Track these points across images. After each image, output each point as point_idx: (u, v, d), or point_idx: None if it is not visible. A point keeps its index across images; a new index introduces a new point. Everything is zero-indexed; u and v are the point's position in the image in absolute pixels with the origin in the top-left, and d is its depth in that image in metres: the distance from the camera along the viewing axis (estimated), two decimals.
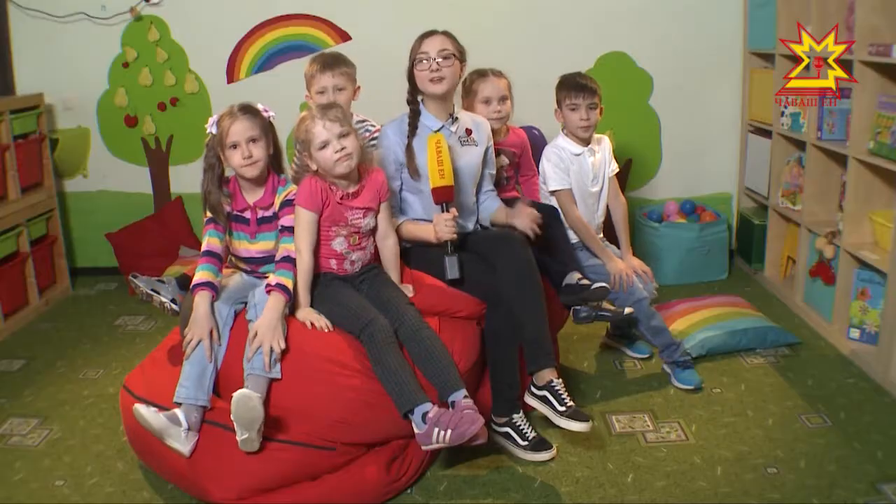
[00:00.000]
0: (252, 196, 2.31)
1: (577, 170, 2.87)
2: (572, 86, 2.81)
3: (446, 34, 2.51)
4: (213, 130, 2.26)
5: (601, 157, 2.92)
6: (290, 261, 2.26)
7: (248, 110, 2.26)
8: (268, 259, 2.34)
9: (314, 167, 2.26)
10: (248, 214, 2.32)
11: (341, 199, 2.27)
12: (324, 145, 2.22)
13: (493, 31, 3.86)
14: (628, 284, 2.74)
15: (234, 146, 2.23)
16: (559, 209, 2.81)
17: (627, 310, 2.73)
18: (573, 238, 2.87)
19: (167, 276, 2.84)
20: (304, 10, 3.92)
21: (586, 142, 2.88)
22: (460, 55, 2.51)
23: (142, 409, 2.05)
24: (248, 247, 2.34)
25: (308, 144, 2.24)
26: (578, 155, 2.87)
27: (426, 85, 2.49)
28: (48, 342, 3.43)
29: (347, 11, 3.92)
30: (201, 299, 2.21)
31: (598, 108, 2.83)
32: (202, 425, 2.15)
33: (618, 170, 3.01)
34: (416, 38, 2.51)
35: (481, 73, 2.84)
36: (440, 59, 2.45)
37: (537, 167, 2.97)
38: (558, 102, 2.86)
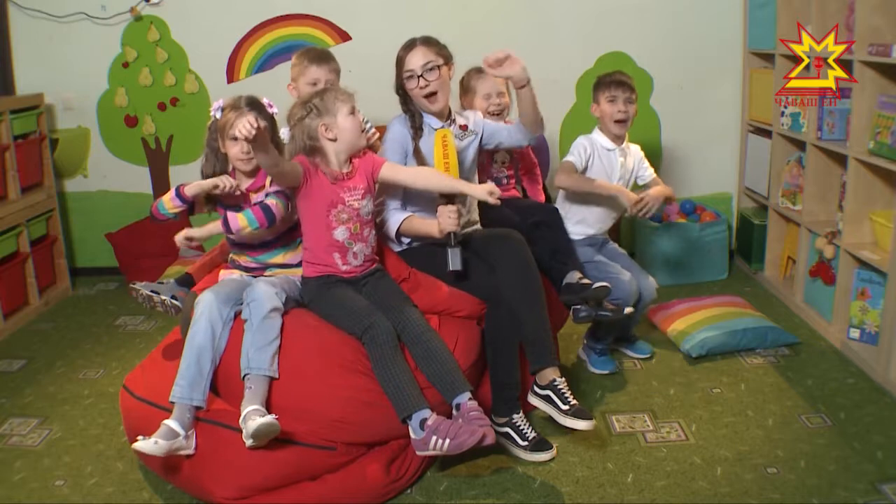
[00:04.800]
0: (246, 184, 2.35)
1: (606, 165, 2.89)
2: (613, 80, 2.87)
3: (426, 43, 2.49)
4: (218, 115, 2.30)
5: (630, 161, 2.96)
6: (261, 206, 2.25)
7: (255, 105, 2.30)
8: (265, 245, 2.36)
9: (332, 136, 2.25)
10: (242, 203, 2.34)
11: (335, 180, 2.27)
12: (352, 111, 2.26)
13: (492, 31, 3.87)
14: (655, 207, 2.78)
15: (235, 139, 2.25)
16: (560, 208, 2.84)
17: (627, 310, 2.73)
18: (577, 240, 2.88)
19: (166, 277, 2.84)
20: (303, 10, 3.92)
21: (619, 140, 2.90)
22: (446, 59, 2.51)
23: (140, 446, 2.03)
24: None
25: (334, 114, 2.25)
26: (610, 151, 2.90)
27: (422, 102, 2.51)
28: (48, 342, 3.43)
29: (347, 11, 3.93)
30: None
31: (635, 104, 2.87)
32: (202, 424, 2.15)
33: (654, 175, 3.03)
34: (400, 50, 2.51)
35: (479, 70, 2.85)
36: (426, 74, 2.46)
37: (538, 166, 2.99)
38: (596, 98, 2.89)
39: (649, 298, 2.89)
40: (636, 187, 3.01)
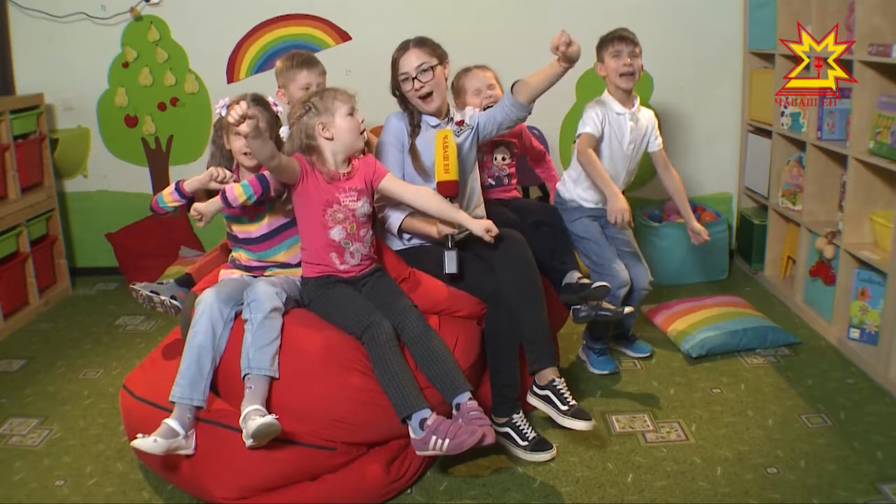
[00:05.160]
0: (248, 175, 2.35)
1: (616, 129, 2.83)
2: (616, 36, 2.83)
3: (419, 45, 2.50)
4: (223, 112, 2.31)
5: (642, 126, 2.89)
6: (257, 175, 2.29)
7: (260, 102, 2.34)
8: (269, 236, 2.37)
9: (329, 135, 2.26)
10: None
11: (331, 180, 2.27)
12: (351, 111, 2.27)
13: (491, 31, 3.87)
14: (622, 227, 2.67)
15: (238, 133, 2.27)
16: (572, 171, 2.87)
17: (627, 309, 2.73)
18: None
19: (166, 277, 2.84)
20: (304, 10, 3.92)
21: (629, 101, 2.84)
22: (440, 59, 2.51)
23: (139, 444, 2.04)
24: (249, 228, 2.37)
25: (332, 113, 2.26)
26: (620, 115, 2.83)
27: (418, 102, 2.51)
28: (48, 342, 3.43)
29: (347, 11, 3.93)
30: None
31: (639, 58, 2.82)
32: (202, 424, 2.15)
33: (661, 145, 2.97)
34: (394, 52, 2.52)
35: (466, 70, 2.87)
36: (420, 76, 2.46)
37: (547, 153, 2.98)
38: (600, 56, 2.85)
39: (641, 288, 2.86)
40: (644, 154, 2.96)
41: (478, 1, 3.90)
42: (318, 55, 2.85)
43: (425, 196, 2.39)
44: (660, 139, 2.96)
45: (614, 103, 2.83)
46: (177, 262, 3.91)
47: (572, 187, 2.89)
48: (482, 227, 2.35)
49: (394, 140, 2.54)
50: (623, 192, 2.75)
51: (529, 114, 2.57)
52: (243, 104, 2.02)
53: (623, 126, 2.84)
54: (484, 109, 2.80)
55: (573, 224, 2.86)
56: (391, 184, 2.38)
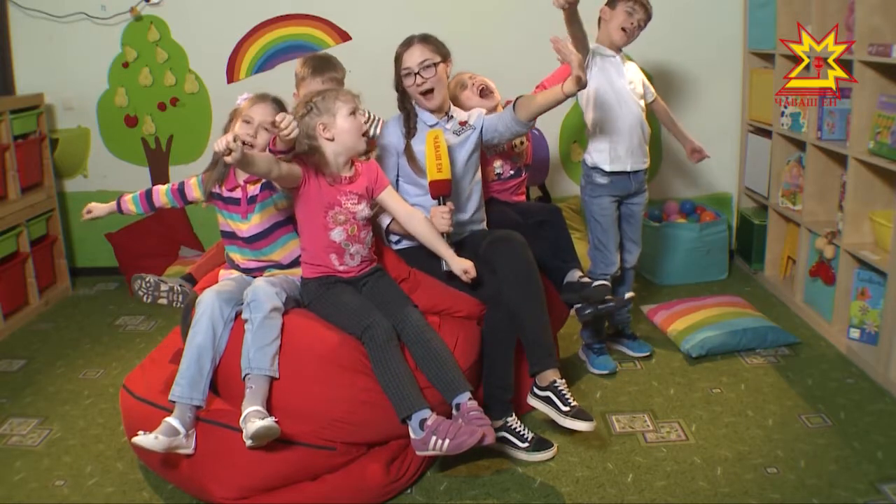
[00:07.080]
0: (242, 175, 2.36)
1: (613, 70, 2.80)
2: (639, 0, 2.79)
3: (423, 41, 2.50)
4: (242, 104, 2.38)
5: (633, 72, 2.88)
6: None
7: (278, 102, 2.37)
8: (261, 235, 2.36)
9: (329, 136, 2.25)
10: (238, 193, 2.35)
11: (333, 182, 2.27)
12: (353, 112, 2.27)
13: (490, 33, 3.87)
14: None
15: (247, 122, 2.32)
16: (586, 181, 2.90)
17: (628, 295, 2.76)
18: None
19: (166, 277, 2.84)
20: (304, 10, 3.92)
21: (616, 49, 2.83)
22: (443, 56, 2.51)
23: (140, 440, 2.05)
24: (241, 226, 2.36)
25: (334, 114, 2.25)
26: (611, 56, 2.81)
27: (419, 99, 2.52)
28: (48, 342, 3.43)
29: (347, 11, 3.93)
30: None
31: (642, 29, 2.81)
32: (202, 424, 2.15)
33: (655, 96, 3.00)
34: (398, 48, 2.52)
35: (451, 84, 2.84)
36: (422, 72, 2.46)
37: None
38: (612, 3, 2.79)
39: (628, 266, 2.97)
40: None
41: (478, 1, 3.90)
42: None
43: (416, 220, 2.39)
44: (652, 89, 2.98)
45: (603, 48, 2.81)
46: (177, 262, 3.91)
47: (591, 148, 2.88)
48: (461, 267, 2.35)
49: (391, 148, 2.55)
50: (638, 172, 2.92)
51: (529, 130, 2.58)
52: (229, 136, 1.98)
53: (618, 66, 2.82)
54: (479, 93, 2.80)
55: (593, 201, 2.88)
56: (389, 198, 2.38)
